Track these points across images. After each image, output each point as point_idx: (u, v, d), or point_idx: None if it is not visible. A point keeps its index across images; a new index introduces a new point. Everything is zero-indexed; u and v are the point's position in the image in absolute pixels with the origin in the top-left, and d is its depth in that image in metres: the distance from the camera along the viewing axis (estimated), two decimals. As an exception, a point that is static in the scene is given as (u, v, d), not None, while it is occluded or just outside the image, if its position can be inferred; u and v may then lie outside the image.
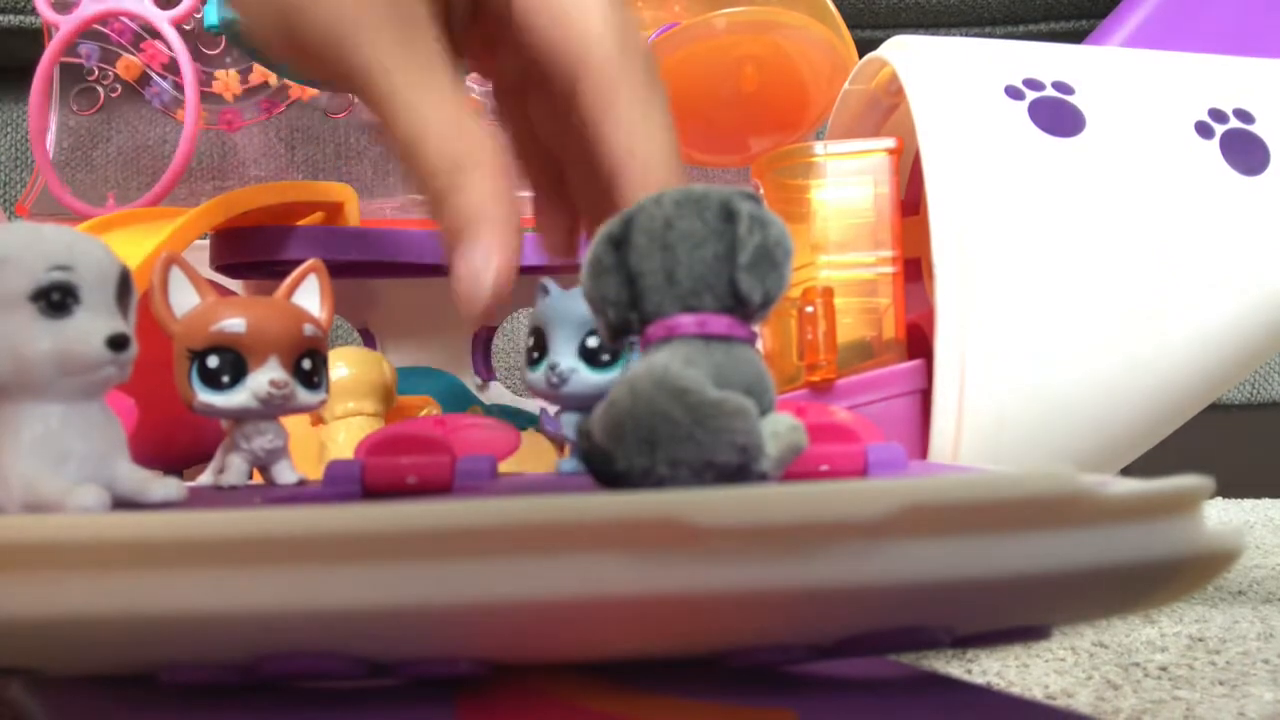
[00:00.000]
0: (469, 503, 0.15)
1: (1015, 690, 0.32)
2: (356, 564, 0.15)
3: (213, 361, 0.25)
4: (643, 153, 0.25)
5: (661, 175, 0.25)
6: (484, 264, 0.23)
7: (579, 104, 0.25)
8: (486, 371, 0.52)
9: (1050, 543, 0.16)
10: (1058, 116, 0.39)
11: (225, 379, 0.25)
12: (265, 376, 0.25)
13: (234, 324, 0.25)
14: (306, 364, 0.26)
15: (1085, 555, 0.16)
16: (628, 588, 0.15)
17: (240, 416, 0.26)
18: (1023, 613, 0.17)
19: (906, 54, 0.40)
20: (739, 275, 0.21)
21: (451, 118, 0.23)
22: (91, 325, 0.21)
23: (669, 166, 0.25)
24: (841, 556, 0.15)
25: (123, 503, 0.21)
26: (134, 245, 0.37)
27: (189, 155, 0.47)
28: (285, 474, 0.27)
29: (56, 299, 0.21)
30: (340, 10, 0.24)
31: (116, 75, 0.52)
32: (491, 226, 0.23)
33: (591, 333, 0.28)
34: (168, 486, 0.22)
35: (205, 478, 0.27)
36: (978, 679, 0.33)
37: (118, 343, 0.21)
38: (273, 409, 0.26)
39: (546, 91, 0.27)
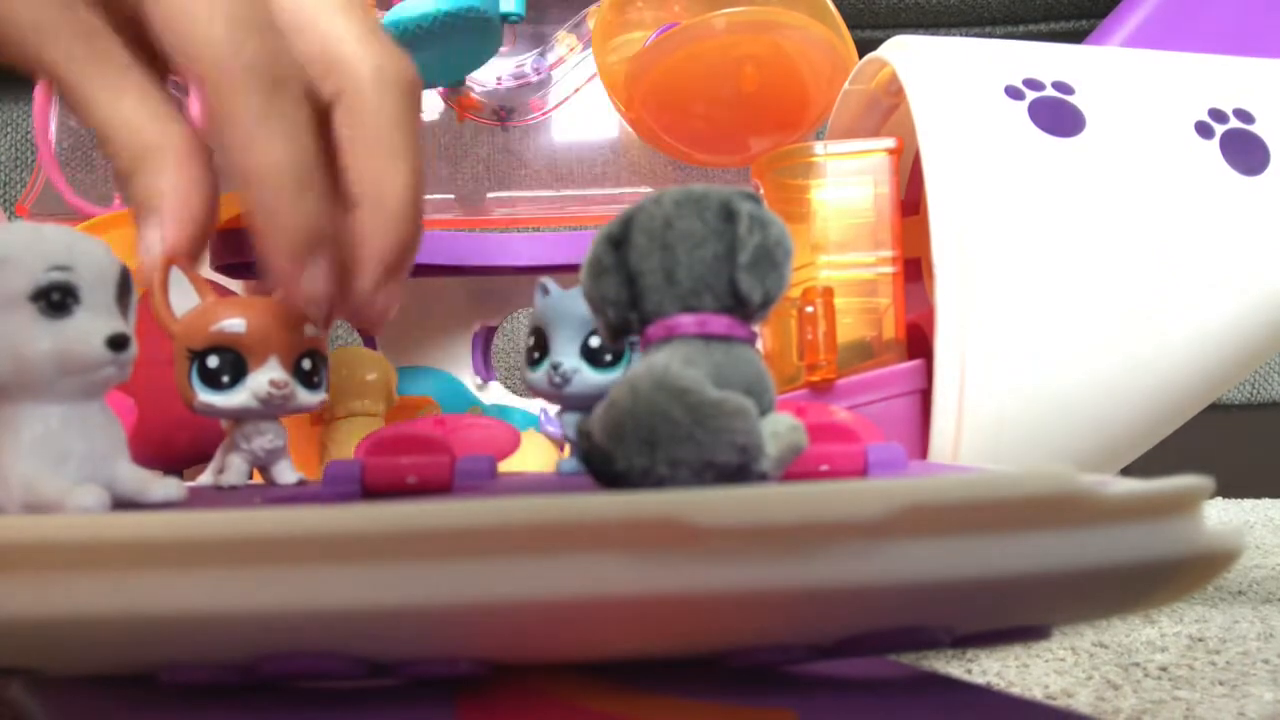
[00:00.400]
0: (469, 503, 0.15)
1: (1015, 690, 0.32)
2: (356, 564, 0.15)
3: (213, 361, 0.25)
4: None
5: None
6: (153, 240, 0.25)
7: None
8: (486, 371, 0.52)
9: (1050, 543, 0.16)
10: (1058, 116, 0.39)
11: (225, 379, 0.25)
12: (265, 376, 0.25)
13: (234, 324, 0.25)
14: (306, 364, 0.26)
15: (1085, 555, 0.16)
16: (628, 588, 0.15)
17: (240, 416, 0.26)
18: (1023, 613, 0.17)
19: (906, 54, 0.40)
20: (739, 275, 0.21)
21: (137, 108, 0.25)
22: (91, 325, 0.21)
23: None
24: (841, 557, 0.15)
25: (123, 503, 0.21)
26: (133, 246, 0.37)
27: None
28: (285, 474, 0.27)
29: (56, 299, 0.21)
30: (23, 13, 0.25)
31: (117, 75, 0.52)
32: (167, 207, 0.25)
33: (594, 332, 0.28)
34: (168, 487, 0.22)
35: (205, 478, 0.27)
36: (977, 679, 0.33)
37: (118, 343, 0.21)
38: (273, 409, 0.26)
39: None
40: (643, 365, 0.21)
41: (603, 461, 0.20)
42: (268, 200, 0.25)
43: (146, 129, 0.25)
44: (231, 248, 0.44)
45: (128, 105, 0.25)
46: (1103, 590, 0.17)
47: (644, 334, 0.21)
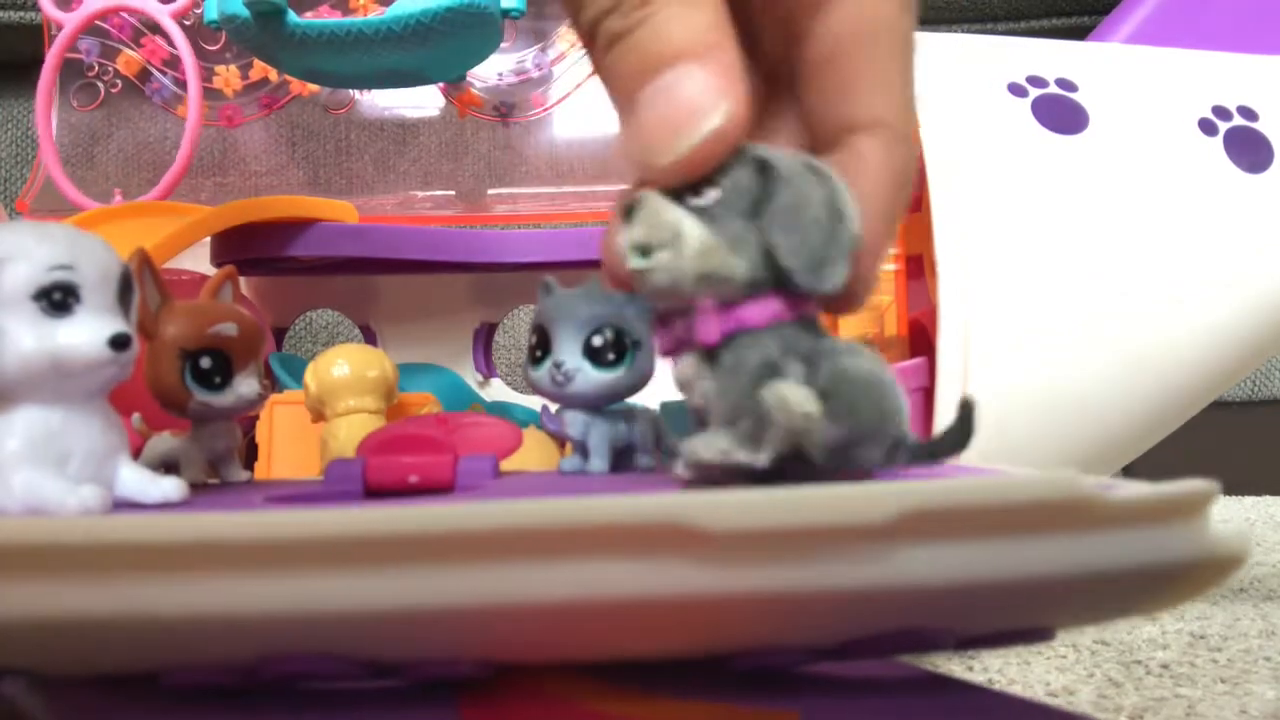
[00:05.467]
0: (474, 506, 0.15)
1: (1016, 687, 0.32)
2: (360, 567, 0.15)
3: (205, 362, 0.26)
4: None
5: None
6: (700, 97, 0.18)
7: None
8: (487, 368, 0.52)
9: (1056, 547, 0.16)
10: (1061, 113, 0.39)
11: (218, 380, 0.26)
12: (253, 378, 0.27)
13: (228, 327, 0.26)
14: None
15: (1091, 560, 0.16)
16: (633, 591, 0.15)
17: (230, 415, 0.27)
18: (1027, 616, 0.17)
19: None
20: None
21: None
22: (93, 325, 0.21)
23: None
24: (847, 561, 0.15)
25: (124, 503, 0.21)
26: (129, 240, 0.37)
27: (192, 152, 0.47)
28: (236, 473, 0.28)
29: (58, 298, 0.20)
30: None
31: (117, 71, 0.52)
32: (720, 50, 0.18)
33: (596, 331, 0.28)
34: (169, 487, 0.22)
35: (141, 472, 0.27)
36: (979, 676, 0.33)
37: (120, 342, 0.21)
38: (254, 408, 0.27)
39: None
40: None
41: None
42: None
43: None
44: (232, 247, 0.44)
45: None
46: (1108, 594, 0.17)
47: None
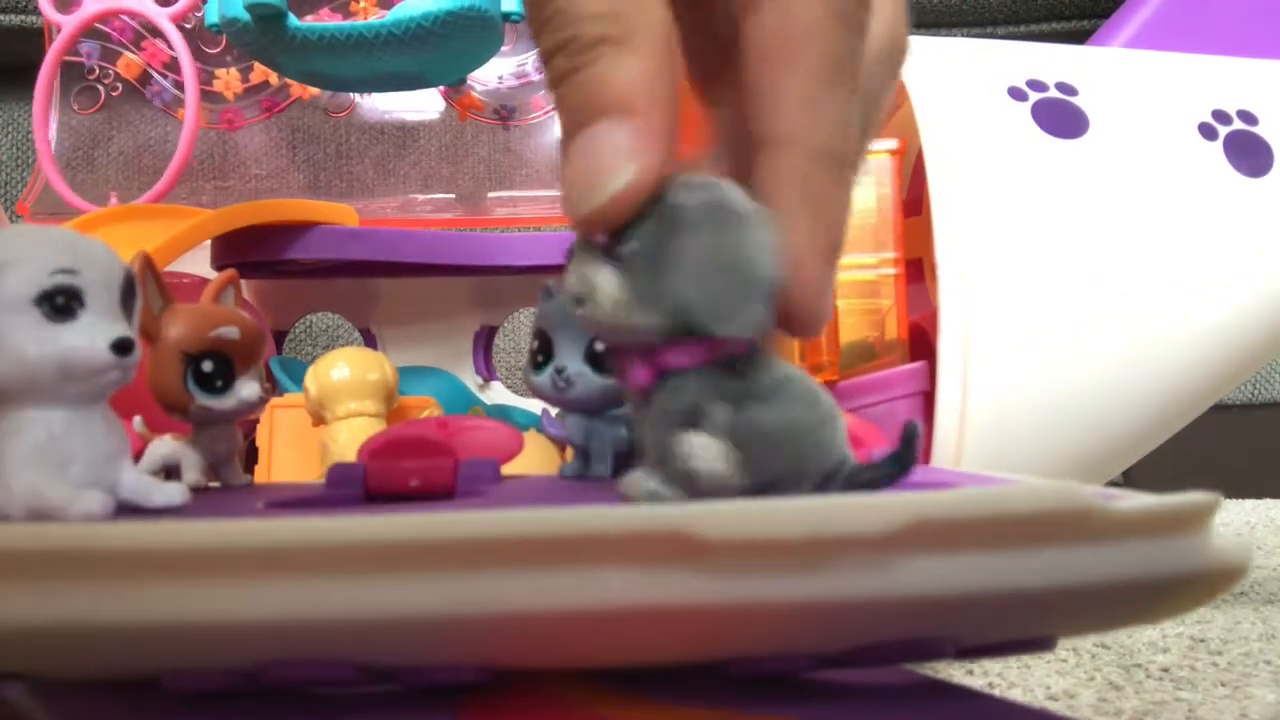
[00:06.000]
0: (476, 515, 0.15)
1: (1017, 691, 0.32)
2: (362, 575, 0.15)
3: (207, 366, 0.26)
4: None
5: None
6: (613, 155, 0.19)
7: None
8: (488, 372, 0.52)
9: (1058, 558, 0.16)
10: (1061, 118, 0.39)
11: (219, 383, 0.26)
12: (254, 381, 0.27)
13: (230, 331, 0.26)
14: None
15: (1093, 570, 0.16)
16: (634, 600, 0.15)
17: (231, 418, 0.27)
18: (1029, 625, 0.17)
19: (909, 54, 0.40)
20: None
21: None
22: (96, 329, 0.21)
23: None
24: (848, 571, 0.15)
25: (126, 508, 0.21)
26: (130, 244, 0.37)
27: (188, 154, 0.47)
28: (236, 476, 0.28)
29: (60, 303, 0.20)
30: None
31: (117, 74, 0.52)
32: (644, 106, 0.19)
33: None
34: (171, 492, 0.22)
35: (141, 476, 0.27)
36: (979, 680, 0.33)
37: (122, 347, 0.21)
38: (255, 411, 0.27)
39: None
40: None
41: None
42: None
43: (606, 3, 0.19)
44: (232, 250, 0.44)
45: None
46: (1109, 604, 0.17)
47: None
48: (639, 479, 0.20)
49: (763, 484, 0.19)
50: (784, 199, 0.20)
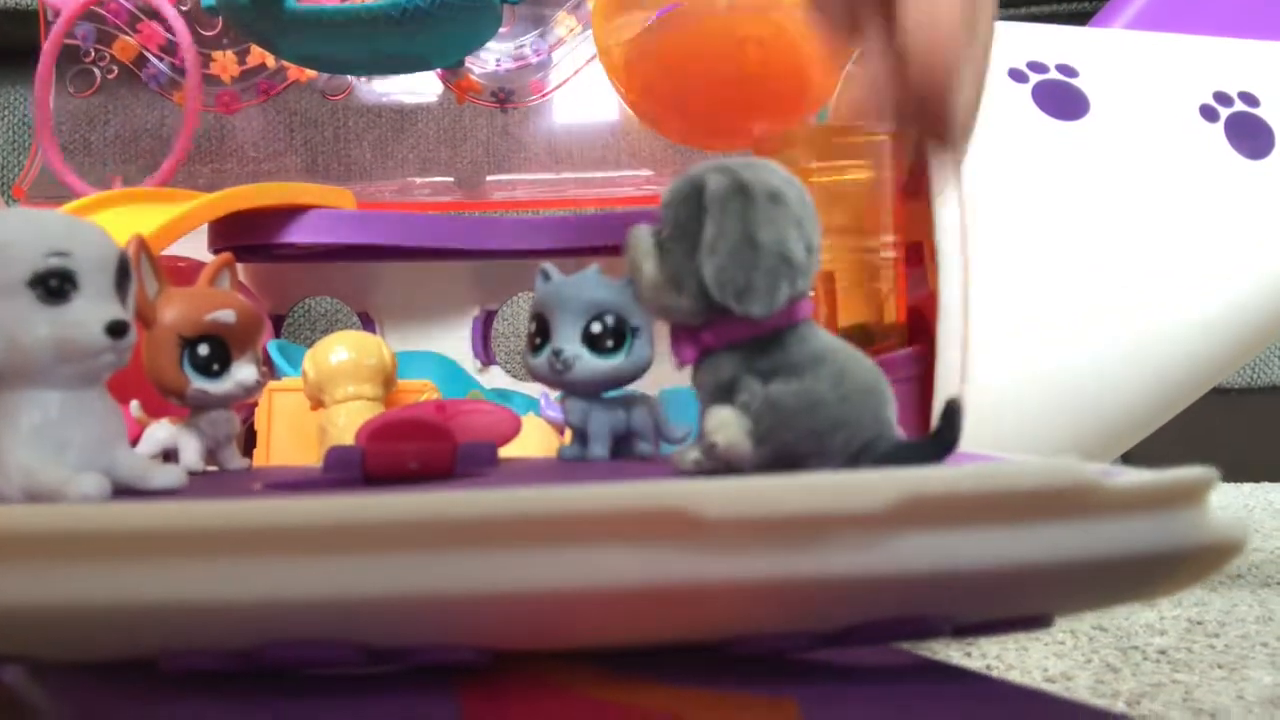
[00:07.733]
0: (474, 493, 0.15)
1: (1014, 673, 0.32)
2: (360, 554, 0.15)
3: (203, 349, 0.26)
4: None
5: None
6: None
7: None
8: (486, 355, 0.52)
9: (1055, 534, 0.16)
10: (1061, 99, 0.39)
11: (215, 367, 0.26)
12: (251, 364, 0.27)
13: (226, 314, 0.26)
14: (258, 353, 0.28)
15: (1090, 546, 0.16)
16: (633, 578, 0.15)
17: (229, 402, 0.27)
18: (1026, 603, 0.17)
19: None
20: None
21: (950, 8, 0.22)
22: (90, 312, 0.21)
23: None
24: (846, 548, 0.15)
25: (123, 490, 0.21)
26: (126, 227, 0.37)
27: (190, 137, 0.47)
28: (234, 459, 0.28)
29: (55, 285, 0.20)
30: None
31: (113, 57, 0.52)
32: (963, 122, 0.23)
33: (595, 318, 0.28)
34: (168, 474, 0.22)
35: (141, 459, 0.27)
36: (976, 662, 0.33)
37: (117, 329, 0.21)
38: (253, 394, 0.27)
39: None
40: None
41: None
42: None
43: (952, 35, 0.22)
44: (229, 233, 0.44)
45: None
46: (1107, 580, 0.17)
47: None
48: (689, 449, 0.22)
49: (783, 457, 0.20)
50: None
